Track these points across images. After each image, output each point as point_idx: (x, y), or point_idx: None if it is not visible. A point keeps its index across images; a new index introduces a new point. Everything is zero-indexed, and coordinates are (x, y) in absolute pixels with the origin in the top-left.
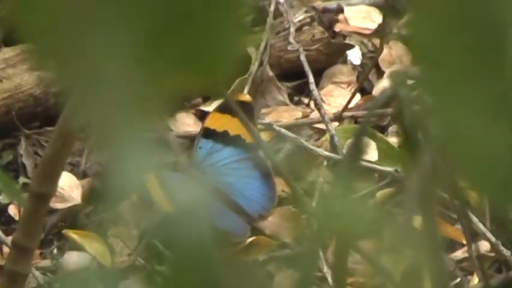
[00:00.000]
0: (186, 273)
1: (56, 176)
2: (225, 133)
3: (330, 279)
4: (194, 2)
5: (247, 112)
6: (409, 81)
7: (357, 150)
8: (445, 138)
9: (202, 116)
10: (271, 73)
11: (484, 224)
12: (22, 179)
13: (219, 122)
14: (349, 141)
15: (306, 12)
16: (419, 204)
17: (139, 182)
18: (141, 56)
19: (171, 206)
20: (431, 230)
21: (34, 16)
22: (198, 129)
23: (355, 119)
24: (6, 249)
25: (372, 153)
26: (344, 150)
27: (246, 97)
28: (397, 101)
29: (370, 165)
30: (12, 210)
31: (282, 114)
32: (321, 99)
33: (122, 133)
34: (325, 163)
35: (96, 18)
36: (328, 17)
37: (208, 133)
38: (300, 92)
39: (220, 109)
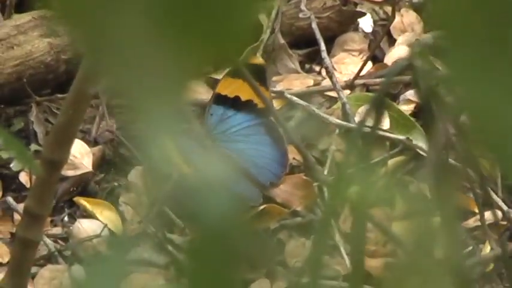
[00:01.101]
0: (213, 243)
1: (68, 144)
2: (237, 98)
3: (341, 248)
4: None
5: (259, 75)
6: (425, 51)
7: (375, 119)
8: (464, 108)
9: (213, 83)
10: (282, 41)
11: (495, 193)
12: (33, 146)
13: (230, 87)
14: (364, 109)
15: None
16: (434, 172)
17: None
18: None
19: (186, 172)
20: (447, 198)
21: None
22: (209, 96)
23: (366, 87)
24: (17, 217)
25: (383, 121)
26: (356, 118)
27: (258, 60)
28: (413, 71)
29: (381, 133)
30: (23, 178)
31: (293, 82)
32: (333, 66)
33: (147, 100)
34: (336, 131)
35: None
36: None
37: (219, 99)
38: (311, 59)
39: (232, 74)
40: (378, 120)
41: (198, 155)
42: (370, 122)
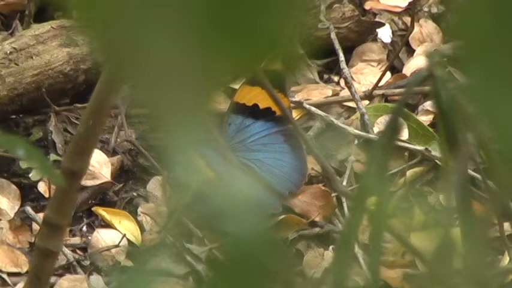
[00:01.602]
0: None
1: (88, 154)
2: (255, 107)
3: (360, 259)
4: None
5: (278, 83)
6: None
7: (393, 130)
8: (484, 119)
9: (231, 93)
10: (301, 51)
11: None
12: (52, 156)
13: (248, 96)
14: (382, 120)
15: None
16: (458, 184)
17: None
18: (195, 38)
19: (208, 182)
20: (469, 209)
21: None
22: (227, 106)
23: (385, 97)
24: (35, 226)
25: (402, 132)
26: (375, 128)
27: (277, 67)
28: (433, 82)
29: (400, 143)
30: (42, 187)
31: (312, 92)
32: (351, 77)
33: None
34: (355, 141)
35: None
36: None
37: (237, 108)
38: (330, 69)
39: (250, 82)
40: (398, 130)
41: (219, 166)
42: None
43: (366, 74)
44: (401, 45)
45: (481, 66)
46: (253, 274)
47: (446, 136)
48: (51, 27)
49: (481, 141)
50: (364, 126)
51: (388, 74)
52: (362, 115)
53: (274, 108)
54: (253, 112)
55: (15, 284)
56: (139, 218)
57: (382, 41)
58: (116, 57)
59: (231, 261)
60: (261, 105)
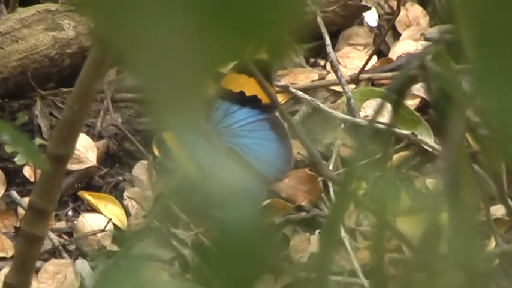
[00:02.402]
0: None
1: (73, 138)
2: (242, 93)
3: (347, 243)
4: None
5: (264, 71)
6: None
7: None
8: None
9: (219, 78)
10: (288, 35)
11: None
12: (38, 141)
13: (235, 82)
14: (368, 104)
15: None
16: (447, 170)
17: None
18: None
19: (194, 167)
20: (459, 194)
21: None
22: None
23: (371, 81)
24: (20, 211)
25: (386, 115)
26: (361, 113)
27: (263, 55)
28: (424, 72)
29: (386, 127)
30: (28, 172)
31: (298, 76)
32: (337, 61)
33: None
34: (341, 125)
35: None
36: None
37: (224, 94)
38: (316, 54)
39: (237, 69)
40: (392, 119)
41: (205, 150)
42: (376, 118)
43: (352, 58)
44: (388, 29)
45: (483, 48)
46: (241, 259)
47: (437, 124)
48: (37, 11)
49: (471, 127)
50: (350, 110)
51: (374, 58)
52: (348, 99)
53: (261, 95)
54: (240, 99)
55: (0, 269)
56: (125, 203)
57: (368, 25)
58: (111, 38)
59: (219, 247)
60: (247, 93)
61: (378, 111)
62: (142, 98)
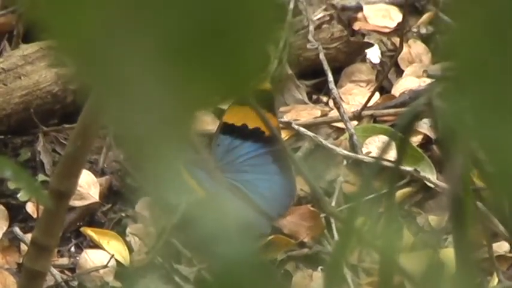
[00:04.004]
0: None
1: (76, 175)
2: (244, 127)
3: (349, 280)
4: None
5: (267, 102)
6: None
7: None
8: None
9: (219, 113)
10: (290, 71)
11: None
12: (41, 177)
13: (237, 116)
14: (371, 140)
15: (325, 10)
16: (451, 206)
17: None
18: (169, 63)
19: (196, 203)
20: (462, 230)
21: (57, 13)
22: (216, 126)
23: (374, 118)
24: (23, 247)
25: (391, 152)
26: (364, 149)
27: (266, 86)
28: (431, 111)
29: (389, 164)
30: (30, 208)
31: (300, 112)
32: (340, 97)
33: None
34: (344, 162)
35: (123, 19)
36: (347, 15)
37: (226, 128)
38: (318, 90)
39: (239, 102)
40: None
41: (208, 186)
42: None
43: (355, 95)
44: (390, 66)
45: (474, 88)
46: None
47: (440, 160)
48: (40, 47)
49: (474, 164)
50: (353, 146)
51: (377, 95)
52: (351, 136)
53: (263, 128)
54: (242, 132)
55: None
56: (127, 239)
57: (371, 62)
58: (92, 82)
59: (219, 283)
60: (250, 126)
61: (385, 148)
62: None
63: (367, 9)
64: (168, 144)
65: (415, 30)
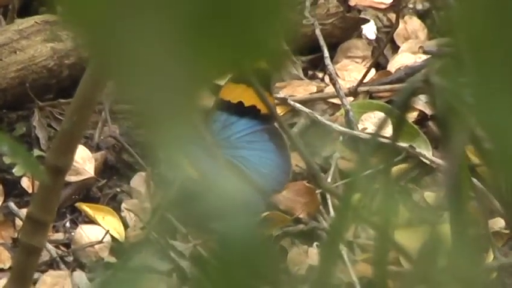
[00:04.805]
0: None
1: (72, 150)
2: (240, 104)
3: (345, 256)
4: None
5: (263, 80)
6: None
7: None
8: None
9: (216, 90)
10: (285, 47)
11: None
12: (36, 152)
13: (233, 93)
14: (367, 116)
15: None
16: (448, 183)
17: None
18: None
19: (194, 178)
20: (460, 207)
21: None
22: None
23: (370, 94)
24: (18, 222)
25: (386, 129)
26: (360, 126)
27: (262, 64)
28: (429, 88)
29: (384, 140)
30: (25, 183)
31: (296, 88)
32: (336, 73)
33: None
34: (340, 138)
35: None
36: None
37: (222, 105)
38: (314, 66)
39: (235, 79)
40: (396, 135)
41: (205, 162)
42: (379, 132)
43: (351, 71)
44: (386, 42)
45: (478, 65)
46: (240, 272)
47: (437, 137)
48: (35, 22)
49: (471, 140)
50: (349, 123)
51: (373, 71)
52: (347, 112)
53: (259, 106)
54: (238, 109)
55: None
56: (123, 214)
57: (367, 38)
58: (102, 53)
59: (218, 259)
60: (246, 103)
61: (381, 125)
62: (135, 110)
63: None
64: (175, 117)
65: (411, 6)
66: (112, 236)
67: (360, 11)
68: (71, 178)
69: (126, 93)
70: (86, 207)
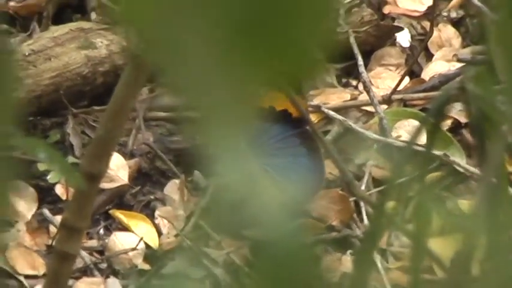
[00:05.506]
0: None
1: (107, 157)
2: (271, 109)
3: (378, 264)
4: None
5: (297, 84)
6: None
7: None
8: None
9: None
10: (321, 55)
11: None
12: (70, 159)
13: (264, 97)
14: (401, 124)
15: None
16: (486, 192)
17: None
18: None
19: (229, 186)
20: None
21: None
22: None
23: (404, 102)
24: (52, 229)
25: (420, 137)
26: (394, 133)
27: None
28: (465, 95)
29: (419, 148)
30: (59, 190)
31: (330, 96)
32: (370, 81)
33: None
34: (374, 146)
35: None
36: None
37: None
38: (348, 73)
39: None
40: (431, 143)
41: (245, 168)
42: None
43: (384, 79)
44: (420, 50)
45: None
46: (282, 280)
47: (471, 145)
48: (70, 29)
49: (508, 149)
50: (383, 130)
51: (407, 79)
52: (380, 119)
53: (291, 110)
54: (270, 114)
55: (32, 287)
56: (156, 221)
57: (401, 46)
58: (150, 56)
59: (258, 266)
60: (277, 107)
61: (416, 133)
62: (181, 115)
63: None
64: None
65: (445, 14)
66: (146, 243)
67: (393, 19)
68: (104, 185)
69: (176, 95)
70: (119, 214)
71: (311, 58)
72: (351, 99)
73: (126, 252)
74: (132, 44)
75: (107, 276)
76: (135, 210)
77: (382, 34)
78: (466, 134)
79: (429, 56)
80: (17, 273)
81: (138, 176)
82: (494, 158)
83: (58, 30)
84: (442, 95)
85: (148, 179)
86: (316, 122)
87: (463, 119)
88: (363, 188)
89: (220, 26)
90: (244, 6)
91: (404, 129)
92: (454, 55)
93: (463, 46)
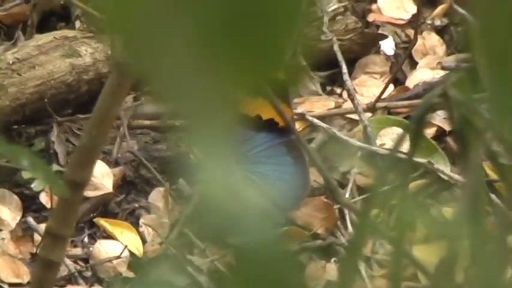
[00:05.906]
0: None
1: (91, 165)
2: (258, 117)
3: (363, 271)
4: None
5: (282, 93)
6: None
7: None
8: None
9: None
10: (304, 62)
11: None
12: (54, 167)
13: (250, 106)
14: (385, 132)
15: (339, 1)
16: (467, 198)
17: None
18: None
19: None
20: (480, 222)
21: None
22: None
23: (388, 110)
24: (37, 237)
25: (404, 144)
26: (378, 141)
27: (280, 77)
28: (447, 102)
29: (402, 156)
30: (44, 198)
31: (314, 104)
32: (354, 89)
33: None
34: (358, 153)
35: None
36: (362, 7)
37: (239, 119)
38: (332, 81)
39: (254, 92)
40: (413, 150)
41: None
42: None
43: (369, 86)
44: (404, 58)
45: (496, 80)
46: (269, 286)
47: (455, 152)
48: (54, 37)
49: (489, 155)
50: (367, 138)
51: (391, 87)
52: (365, 127)
53: (277, 119)
54: (256, 123)
55: None
56: (141, 229)
57: (385, 53)
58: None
59: (239, 273)
60: (264, 116)
61: (400, 141)
62: (166, 123)
63: (382, 1)
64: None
65: (429, 22)
66: (130, 251)
67: (378, 27)
68: (89, 193)
69: (162, 103)
70: (104, 222)
71: (290, 62)
72: (335, 107)
73: (110, 260)
74: (116, 52)
75: (92, 285)
76: (119, 218)
77: (366, 42)
78: (451, 141)
79: (413, 64)
80: (1, 282)
81: (123, 184)
82: (474, 165)
83: (42, 39)
84: (424, 102)
85: (132, 187)
86: (300, 129)
87: (447, 127)
88: (347, 195)
89: (202, 33)
90: (223, 14)
91: (389, 137)
92: (439, 63)
93: (448, 54)
